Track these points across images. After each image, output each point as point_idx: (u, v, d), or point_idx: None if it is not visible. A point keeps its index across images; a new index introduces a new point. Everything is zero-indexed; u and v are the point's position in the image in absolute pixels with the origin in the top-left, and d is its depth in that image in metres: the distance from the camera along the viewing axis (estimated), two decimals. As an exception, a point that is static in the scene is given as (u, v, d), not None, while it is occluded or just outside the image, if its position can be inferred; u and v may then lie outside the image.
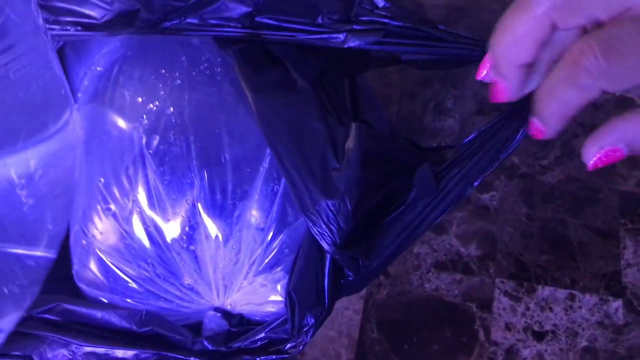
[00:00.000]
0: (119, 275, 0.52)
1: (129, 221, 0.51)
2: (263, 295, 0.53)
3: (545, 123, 0.34)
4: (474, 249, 0.73)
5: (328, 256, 0.49)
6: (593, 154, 0.32)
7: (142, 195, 0.51)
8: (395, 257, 0.51)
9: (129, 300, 0.54)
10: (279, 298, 0.53)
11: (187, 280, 0.53)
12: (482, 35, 0.46)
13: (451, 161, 0.50)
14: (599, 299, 0.69)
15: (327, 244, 0.47)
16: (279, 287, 0.52)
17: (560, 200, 0.76)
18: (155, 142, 0.51)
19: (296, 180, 0.47)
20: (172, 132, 0.51)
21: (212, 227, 0.51)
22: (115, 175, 0.51)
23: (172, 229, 0.51)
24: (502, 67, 0.37)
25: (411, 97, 0.84)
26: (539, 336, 0.68)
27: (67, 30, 0.51)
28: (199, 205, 0.50)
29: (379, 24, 0.50)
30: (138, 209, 0.51)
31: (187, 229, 0.51)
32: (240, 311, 0.55)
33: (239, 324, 0.55)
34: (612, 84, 0.30)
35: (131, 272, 0.52)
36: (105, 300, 0.54)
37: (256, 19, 0.49)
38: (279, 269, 0.52)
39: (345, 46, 0.49)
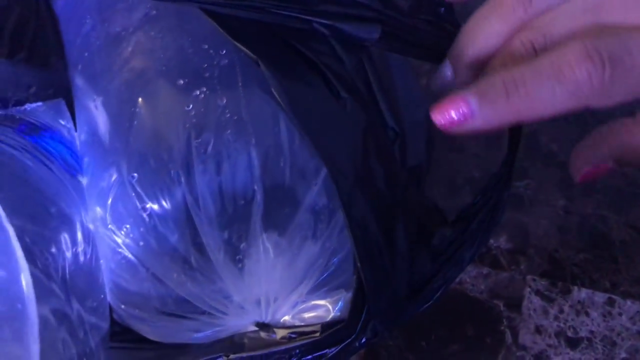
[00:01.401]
0: (153, 284, 0.45)
1: (171, 229, 0.43)
2: (317, 314, 0.46)
3: (492, 116, 0.29)
4: (504, 241, 0.65)
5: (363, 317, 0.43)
6: (580, 169, 0.31)
7: (190, 202, 0.42)
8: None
9: (163, 311, 0.46)
10: (330, 315, 0.46)
11: (236, 298, 0.45)
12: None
13: (450, 240, 0.46)
14: (642, 306, 0.62)
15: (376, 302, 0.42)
16: (334, 303, 0.46)
17: (601, 194, 0.68)
18: (210, 146, 0.42)
19: (362, 234, 0.40)
20: (230, 131, 0.41)
21: (268, 241, 0.43)
22: (153, 171, 0.42)
23: (223, 242, 0.43)
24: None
25: (442, 71, 0.76)
26: (573, 343, 0.60)
27: None
28: (258, 217, 0.42)
29: (372, 9, 0.39)
30: (183, 217, 0.42)
31: (242, 243, 0.43)
32: (290, 327, 0.48)
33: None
34: (605, 100, 0.28)
35: (170, 284, 0.44)
36: (136, 313, 0.47)
37: None
38: (336, 285, 0.45)
39: (325, 35, 0.39)
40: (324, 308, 0.45)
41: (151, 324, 0.47)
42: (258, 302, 0.45)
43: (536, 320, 0.61)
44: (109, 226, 0.44)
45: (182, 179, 0.42)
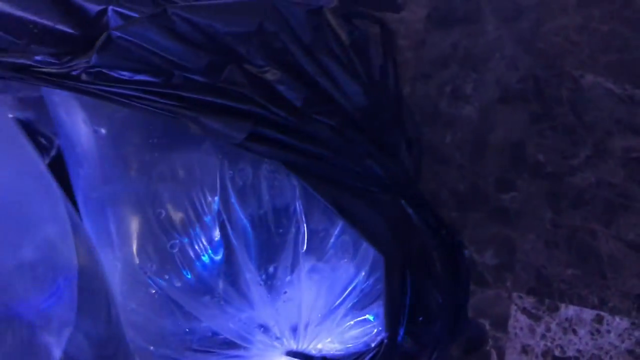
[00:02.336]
0: (185, 320, 0.43)
1: (203, 264, 0.41)
2: (353, 335, 0.45)
3: None
4: (489, 256, 0.64)
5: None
6: None
7: (229, 235, 0.40)
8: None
9: (193, 349, 0.44)
10: (366, 337, 0.46)
11: (272, 327, 0.43)
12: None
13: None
14: (631, 323, 0.60)
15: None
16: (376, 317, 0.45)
17: (590, 206, 0.66)
18: (247, 176, 0.40)
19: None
20: (267, 160, 0.40)
21: (308, 267, 0.42)
22: (183, 205, 0.40)
23: (265, 274, 0.41)
24: None
25: (426, 79, 0.74)
26: (561, 363, 0.59)
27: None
28: (301, 245, 0.41)
29: (253, 103, 0.36)
30: (216, 251, 0.41)
31: (287, 275, 0.41)
32: (325, 353, 0.47)
33: None
34: None
35: (201, 318, 0.42)
36: (167, 353, 0.45)
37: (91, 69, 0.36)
38: (370, 302, 0.44)
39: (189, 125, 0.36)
40: (369, 324, 0.44)
41: None
42: (294, 330, 0.44)
43: (522, 339, 0.60)
44: (136, 265, 0.42)
45: (218, 213, 0.39)
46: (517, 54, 0.75)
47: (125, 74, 0.36)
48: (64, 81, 0.37)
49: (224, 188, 0.40)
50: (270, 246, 0.41)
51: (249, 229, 0.40)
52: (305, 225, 0.41)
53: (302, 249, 0.41)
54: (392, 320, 0.43)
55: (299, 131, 0.37)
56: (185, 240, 0.41)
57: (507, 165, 0.69)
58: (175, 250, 0.41)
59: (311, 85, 0.38)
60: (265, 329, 0.44)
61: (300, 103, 0.37)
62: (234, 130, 0.35)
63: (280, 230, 0.41)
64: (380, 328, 0.45)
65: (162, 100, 0.35)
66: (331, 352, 0.47)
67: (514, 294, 0.62)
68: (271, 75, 0.36)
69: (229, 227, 0.40)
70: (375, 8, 0.45)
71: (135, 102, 0.36)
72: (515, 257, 0.64)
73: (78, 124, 0.46)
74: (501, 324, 0.60)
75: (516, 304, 0.61)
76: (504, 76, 0.74)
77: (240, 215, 0.40)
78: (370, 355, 0.46)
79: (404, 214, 0.43)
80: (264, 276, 0.41)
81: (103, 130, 0.44)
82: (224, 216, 0.40)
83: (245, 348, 0.44)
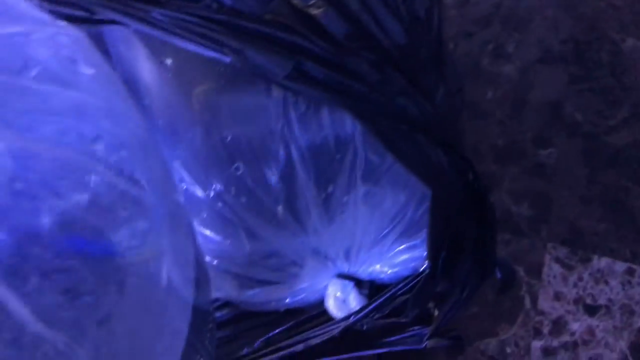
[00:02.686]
0: (246, 238, 0.46)
1: (265, 187, 0.43)
2: (402, 260, 0.48)
3: None
4: (526, 208, 0.66)
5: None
6: None
7: (292, 159, 0.43)
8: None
9: (253, 262, 0.47)
10: (414, 263, 0.48)
11: (326, 250, 0.46)
12: None
13: None
14: (661, 276, 0.62)
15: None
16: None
17: (625, 165, 0.68)
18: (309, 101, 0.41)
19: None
20: None
21: (364, 192, 0.44)
22: (248, 130, 0.42)
23: (323, 196, 0.44)
24: None
25: (468, 37, 0.75)
26: (591, 310, 0.61)
27: None
28: (359, 170, 0.43)
29: (297, 35, 0.36)
30: (278, 174, 0.43)
31: (344, 196, 0.44)
32: (374, 277, 0.50)
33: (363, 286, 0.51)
34: None
35: (262, 236, 0.45)
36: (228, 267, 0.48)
37: None
38: (419, 234, 0.47)
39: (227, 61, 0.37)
40: (418, 249, 0.46)
41: (241, 281, 0.47)
42: (347, 253, 0.46)
43: (555, 286, 0.62)
44: (201, 184, 0.44)
45: (281, 137, 0.41)
46: (559, 16, 0.76)
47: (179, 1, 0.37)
48: (123, 6, 0.38)
49: (287, 112, 0.41)
50: (329, 169, 0.43)
51: (310, 152, 0.42)
52: (363, 151, 0.43)
53: (359, 174, 0.43)
54: (433, 252, 0.45)
55: (339, 65, 0.38)
56: (249, 162, 0.43)
57: (545, 123, 0.70)
58: (240, 172, 0.43)
59: (353, 21, 0.39)
60: (319, 250, 0.46)
61: (342, 37, 0.38)
62: (277, 66, 0.36)
63: (338, 156, 0.43)
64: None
65: (212, 27, 0.35)
66: (380, 277, 0.50)
67: (549, 244, 0.64)
68: (315, 8, 0.37)
69: (291, 150, 0.42)
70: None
71: (186, 32, 0.36)
72: (551, 209, 0.66)
73: (140, 56, 0.48)
74: (535, 271, 0.63)
75: (550, 254, 0.63)
76: (545, 37, 0.75)
77: (302, 138, 0.42)
78: (411, 284, 0.48)
79: (435, 154, 0.44)
80: (323, 195, 0.44)
81: (169, 61, 0.46)
82: (287, 139, 0.42)
83: (301, 266, 0.47)
